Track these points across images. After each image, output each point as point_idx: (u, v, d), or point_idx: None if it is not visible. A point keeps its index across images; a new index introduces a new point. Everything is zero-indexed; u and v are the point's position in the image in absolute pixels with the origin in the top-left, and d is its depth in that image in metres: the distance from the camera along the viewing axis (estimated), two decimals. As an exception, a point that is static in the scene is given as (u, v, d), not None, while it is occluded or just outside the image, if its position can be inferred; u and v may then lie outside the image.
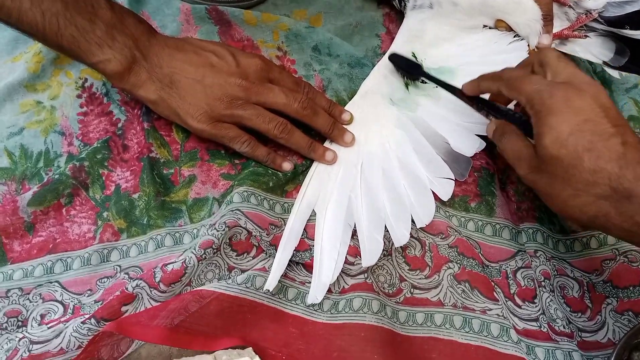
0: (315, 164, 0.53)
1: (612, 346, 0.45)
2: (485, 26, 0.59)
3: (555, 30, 0.58)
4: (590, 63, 0.61)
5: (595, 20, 0.56)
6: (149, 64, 0.49)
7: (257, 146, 0.51)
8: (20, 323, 0.46)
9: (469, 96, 0.50)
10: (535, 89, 0.40)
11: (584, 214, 0.39)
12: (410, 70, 0.56)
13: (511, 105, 0.50)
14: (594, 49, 0.57)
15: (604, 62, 0.57)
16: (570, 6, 0.58)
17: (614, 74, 0.57)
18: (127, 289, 0.44)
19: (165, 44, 0.50)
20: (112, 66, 0.48)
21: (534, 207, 0.52)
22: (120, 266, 0.48)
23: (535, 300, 0.48)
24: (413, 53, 0.58)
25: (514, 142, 0.43)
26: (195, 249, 0.45)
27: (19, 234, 0.49)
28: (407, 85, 0.57)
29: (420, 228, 0.49)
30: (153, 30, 0.51)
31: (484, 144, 0.53)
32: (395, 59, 0.57)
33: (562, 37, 0.58)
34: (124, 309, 0.43)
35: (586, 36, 0.57)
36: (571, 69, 0.42)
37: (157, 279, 0.44)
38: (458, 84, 0.57)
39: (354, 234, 0.49)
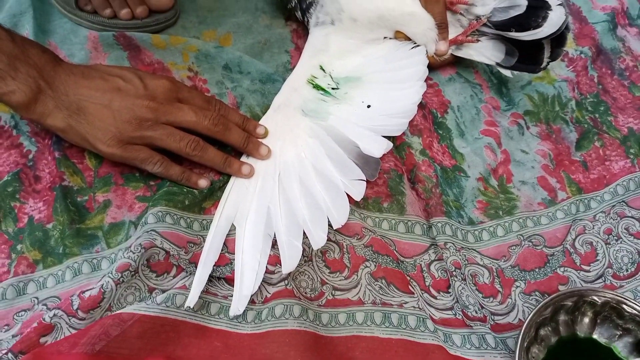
0: (232, 179, 0.54)
1: (522, 325, 0.48)
2: (385, 37, 0.63)
3: (450, 36, 0.62)
4: (487, 65, 0.65)
5: (485, 25, 0.61)
6: (55, 92, 0.49)
7: (170, 166, 0.51)
8: None
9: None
10: None
11: None
12: None
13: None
14: (486, 52, 0.61)
15: (497, 63, 0.61)
16: (461, 13, 0.62)
17: (507, 73, 0.62)
18: (44, 319, 0.43)
19: (70, 71, 0.50)
20: (17, 97, 0.47)
21: (441, 202, 0.55)
22: (37, 298, 0.47)
23: (449, 290, 0.51)
24: (320, 66, 0.61)
25: None
26: (112, 273, 0.45)
27: None
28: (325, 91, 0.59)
29: (337, 231, 0.51)
30: (58, 58, 0.51)
31: (390, 145, 0.56)
32: None
33: (457, 43, 0.62)
34: (42, 340, 0.43)
35: (478, 40, 0.61)
36: None
37: (75, 307, 0.43)
38: (365, 91, 0.60)
39: (274, 243, 0.49)
